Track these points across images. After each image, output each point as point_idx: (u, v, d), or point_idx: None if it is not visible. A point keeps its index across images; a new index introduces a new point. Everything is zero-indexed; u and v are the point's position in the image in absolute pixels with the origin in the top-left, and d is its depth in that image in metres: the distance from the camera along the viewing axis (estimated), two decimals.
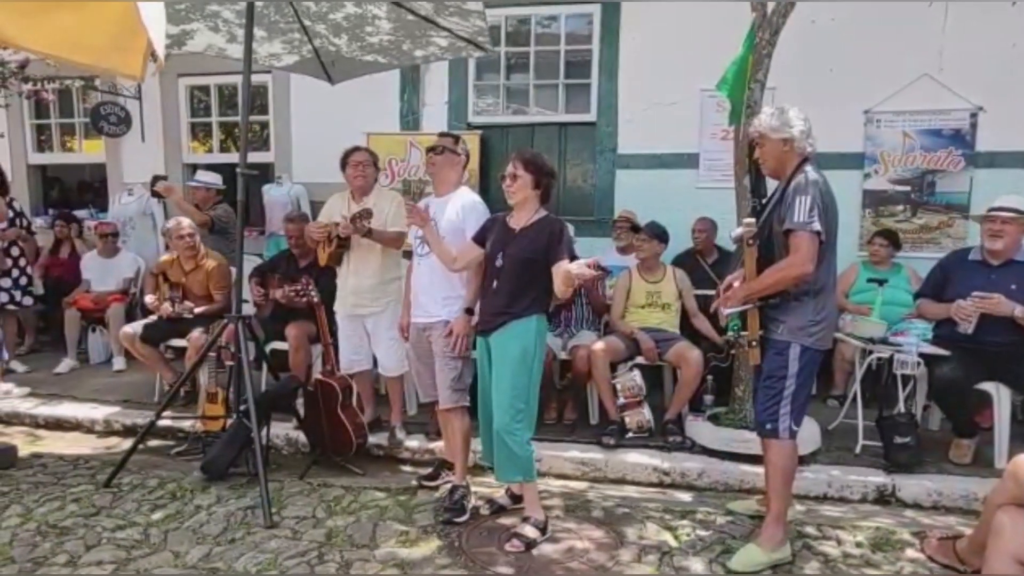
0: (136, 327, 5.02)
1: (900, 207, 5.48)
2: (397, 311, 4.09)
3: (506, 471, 3.22)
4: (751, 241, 2.94)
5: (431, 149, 3.58)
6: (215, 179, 6.01)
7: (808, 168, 2.88)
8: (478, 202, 3.56)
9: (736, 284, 3.03)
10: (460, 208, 3.50)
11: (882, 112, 5.42)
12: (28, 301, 6.13)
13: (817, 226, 2.76)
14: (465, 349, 3.40)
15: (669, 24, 5.67)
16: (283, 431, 4.37)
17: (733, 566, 2.94)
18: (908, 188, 5.46)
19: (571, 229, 4.75)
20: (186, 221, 5.15)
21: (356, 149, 4.24)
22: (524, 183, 3.15)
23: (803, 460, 3.70)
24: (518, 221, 3.21)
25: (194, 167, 6.88)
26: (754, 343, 3.00)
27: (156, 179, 5.74)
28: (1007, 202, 3.89)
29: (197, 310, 4.94)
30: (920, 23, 5.11)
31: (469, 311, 3.37)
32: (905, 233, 5.33)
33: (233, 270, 4.62)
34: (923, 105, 5.32)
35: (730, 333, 3.12)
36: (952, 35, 5.18)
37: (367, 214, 3.86)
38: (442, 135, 3.72)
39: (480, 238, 3.31)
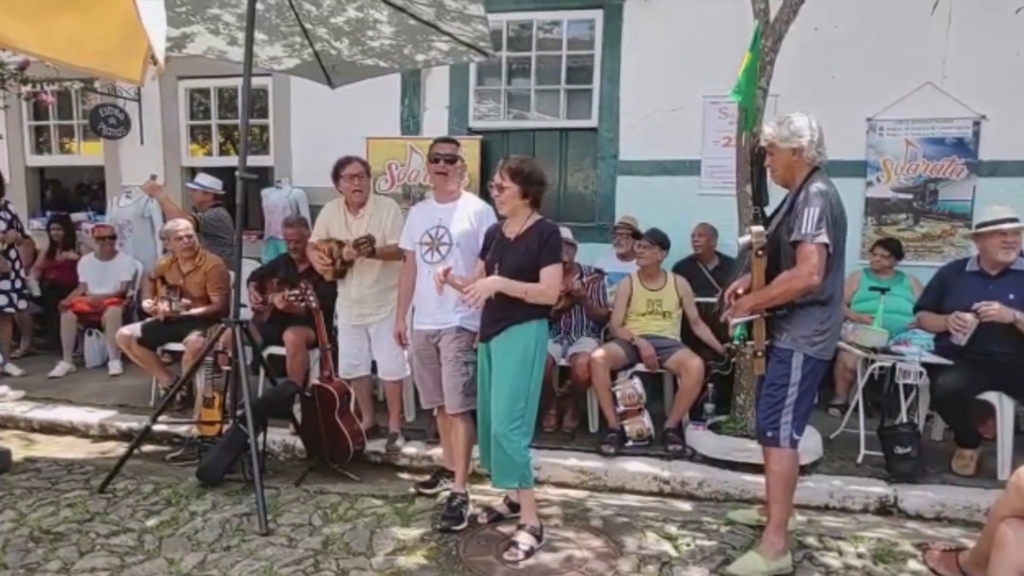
0: (134, 328, 4.99)
1: (903, 215, 5.46)
2: None
3: (503, 476, 3.20)
4: (760, 252, 2.91)
5: (440, 157, 3.52)
6: (214, 183, 5.98)
7: (817, 178, 2.86)
8: (489, 208, 3.54)
9: (741, 292, 3.02)
10: (473, 214, 3.49)
11: (885, 120, 5.41)
12: (23, 304, 6.09)
13: (824, 238, 2.74)
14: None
15: (671, 30, 5.66)
16: (280, 437, 4.33)
17: (733, 570, 2.93)
18: (911, 196, 5.44)
19: (569, 233, 4.77)
20: (183, 223, 5.13)
21: (349, 160, 4.18)
22: (511, 193, 3.12)
23: (804, 470, 3.69)
24: (512, 230, 3.20)
25: (193, 170, 6.86)
26: (760, 353, 2.99)
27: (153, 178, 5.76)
28: (999, 213, 3.89)
29: (194, 310, 4.92)
30: (923, 31, 5.09)
31: None
32: (907, 242, 5.31)
33: (232, 273, 4.60)
34: (926, 113, 5.30)
35: (736, 342, 3.10)
36: (955, 43, 5.16)
37: (371, 241, 3.87)
38: (444, 140, 3.69)
39: (484, 253, 3.30)
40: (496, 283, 3.04)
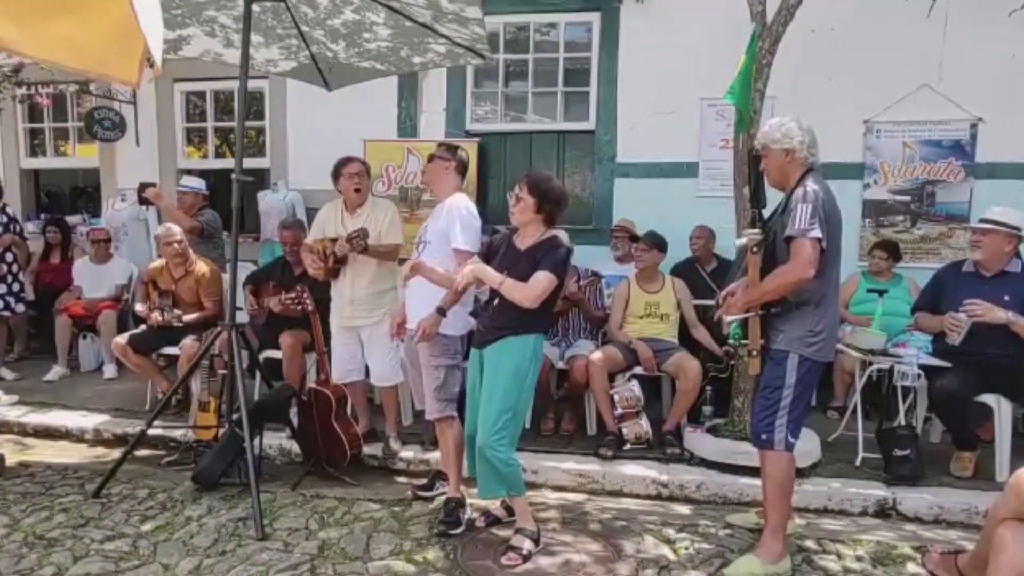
0: (126, 337, 4.93)
1: (900, 217, 5.47)
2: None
3: (489, 487, 3.16)
4: (755, 249, 2.94)
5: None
6: (199, 184, 5.95)
7: (810, 179, 2.89)
8: (464, 207, 3.50)
9: (738, 292, 3.02)
10: (447, 213, 3.50)
11: (882, 122, 5.42)
12: (20, 308, 6.07)
13: (817, 233, 2.76)
14: (427, 339, 3.33)
15: (669, 33, 5.66)
16: (276, 441, 4.31)
17: (729, 572, 2.91)
18: (908, 199, 5.45)
19: (566, 237, 4.75)
20: (176, 228, 5.06)
21: (349, 160, 4.19)
22: (526, 206, 3.11)
23: (803, 472, 3.68)
24: (523, 241, 3.18)
25: (189, 172, 6.83)
26: (755, 352, 2.98)
27: (144, 186, 5.68)
28: (996, 215, 3.90)
29: (187, 318, 4.85)
30: (919, 33, 5.10)
31: (442, 312, 3.30)
32: (905, 244, 5.31)
33: (226, 277, 4.58)
34: (923, 115, 5.32)
35: (731, 341, 3.11)
36: (951, 46, 5.18)
37: (364, 234, 3.85)
38: (439, 144, 3.75)
39: (484, 253, 3.27)
40: (476, 269, 3.07)
